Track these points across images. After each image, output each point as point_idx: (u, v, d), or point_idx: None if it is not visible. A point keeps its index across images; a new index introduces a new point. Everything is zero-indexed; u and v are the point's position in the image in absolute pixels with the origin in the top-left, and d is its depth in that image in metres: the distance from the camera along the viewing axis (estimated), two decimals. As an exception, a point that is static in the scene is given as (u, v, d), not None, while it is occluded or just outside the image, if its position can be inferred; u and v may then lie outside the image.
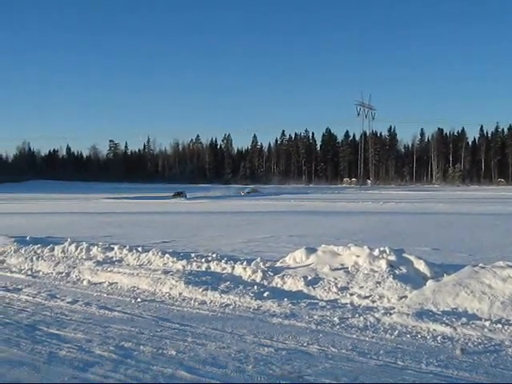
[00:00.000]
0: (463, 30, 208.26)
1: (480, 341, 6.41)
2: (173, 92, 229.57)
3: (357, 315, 7.47)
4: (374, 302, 8.16)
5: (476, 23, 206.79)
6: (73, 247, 12.69)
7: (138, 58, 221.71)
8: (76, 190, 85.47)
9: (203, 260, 10.92)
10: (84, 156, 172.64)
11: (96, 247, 12.53)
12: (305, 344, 6.32)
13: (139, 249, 12.01)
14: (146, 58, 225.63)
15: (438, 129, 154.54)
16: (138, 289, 9.43)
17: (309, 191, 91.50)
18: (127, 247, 12.16)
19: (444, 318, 7.13)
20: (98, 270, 10.71)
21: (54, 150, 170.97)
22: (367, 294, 8.41)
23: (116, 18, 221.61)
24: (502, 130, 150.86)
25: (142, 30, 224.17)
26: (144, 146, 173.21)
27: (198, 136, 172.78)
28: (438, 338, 6.51)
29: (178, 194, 66.09)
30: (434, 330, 6.81)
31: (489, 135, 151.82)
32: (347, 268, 9.27)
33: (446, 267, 9.44)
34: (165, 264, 10.91)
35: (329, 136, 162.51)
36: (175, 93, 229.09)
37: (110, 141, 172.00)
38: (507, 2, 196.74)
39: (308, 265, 9.79)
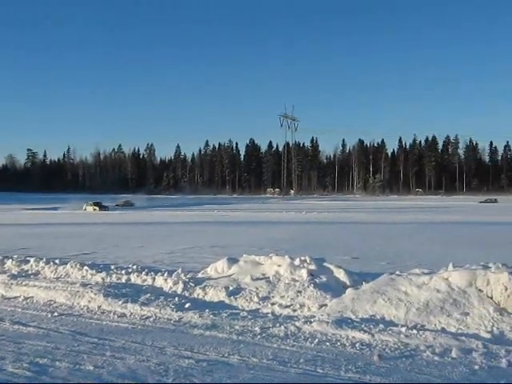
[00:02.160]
0: (384, 40, 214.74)
1: (396, 346, 6.56)
2: (93, 101, 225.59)
3: (278, 324, 7.49)
4: (294, 311, 8.22)
5: (395, 33, 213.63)
6: (-14, 260, 12.17)
7: (51, 67, 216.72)
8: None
9: (123, 272, 10.71)
10: (0, 165, 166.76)
11: (11, 260, 12.08)
12: (226, 355, 6.28)
13: (57, 261, 11.65)
14: (63, 69, 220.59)
15: (359, 140, 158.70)
16: (54, 303, 9.13)
17: (232, 201, 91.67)
18: (44, 260, 11.77)
19: (362, 325, 7.25)
20: (12, 283, 10.31)
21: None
22: (288, 304, 8.46)
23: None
24: (420, 142, 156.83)
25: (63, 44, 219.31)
26: (64, 155, 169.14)
27: (120, 145, 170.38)
28: (357, 345, 6.61)
29: (96, 205, 63.94)
30: (353, 337, 6.91)
31: (407, 147, 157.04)
32: (269, 278, 9.31)
33: (364, 275, 9.64)
34: (83, 276, 10.63)
35: (252, 146, 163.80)
36: (96, 102, 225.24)
37: (28, 150, 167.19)
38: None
39: (230, 275, 9.77)
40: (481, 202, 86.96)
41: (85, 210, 61.99)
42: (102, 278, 10.38)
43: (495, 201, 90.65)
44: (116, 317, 8.18)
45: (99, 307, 8.67)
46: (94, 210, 61.67)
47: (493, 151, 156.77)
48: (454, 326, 7.19)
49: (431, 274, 8.21)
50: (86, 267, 10.99)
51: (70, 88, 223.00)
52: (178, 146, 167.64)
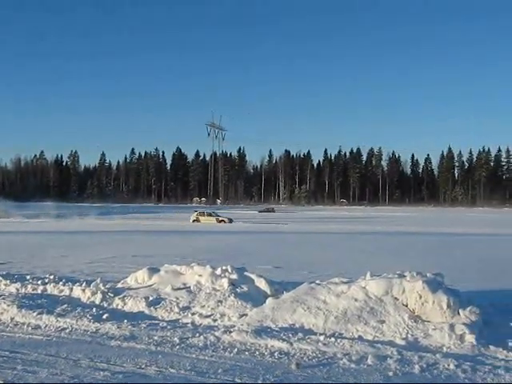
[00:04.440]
0: (308, 48, 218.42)
1: (314, 355, 6.63)
2: (15, 105, 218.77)
3: (197, 334, 7.43)
4: (215, 320, 8.19)
5: (322, 40, 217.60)
6: None
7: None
8: None
9: (39, 282, 10.41)
10: None
11: None
12: (143, 366, 6.17)
13: (-32, 271, 11.18)
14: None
15: (286, 150, 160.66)
16: (-36, 314, 8.73)
17: (158, 210, 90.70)
18: (-46, 270, 11.28)
19: (282, 334, 7.30)
20: None
21: None
22: (209, 313, 8.43)
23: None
24: (345, 153, 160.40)
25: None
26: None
27: (42, 152, 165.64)
28: (276, 354, 6.64)
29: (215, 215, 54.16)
30: (272, 346, 6.95)
31: (332, 158, 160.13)
32: (189, 287, 9.25)
33: (285, 284, 9.72)
34: (-4, 287, 10.24)
35: (179, 155, 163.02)
36: (18, 106, 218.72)
37: None
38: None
39: (150, 285, 9.64)
40: (260, 212, 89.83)
41: (195, 221, 51.41)
42: (17, 289, 10.04)
43: (272, 210, 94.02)
44: (30, 329, 7.91)
45: (12, 319, 8.35)
46: (220, 221, 50.70)
47: (414, 164, 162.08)
48: (370, 333, 7.35)
49: (349, 283, 8.36)
50: (-1, 277, 10.60)
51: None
52: (103, 154, 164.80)
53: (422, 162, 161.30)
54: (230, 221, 50.98)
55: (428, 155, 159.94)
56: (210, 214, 53.44)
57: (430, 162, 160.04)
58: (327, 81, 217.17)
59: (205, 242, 25.52)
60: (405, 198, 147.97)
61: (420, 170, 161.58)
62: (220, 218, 51.79)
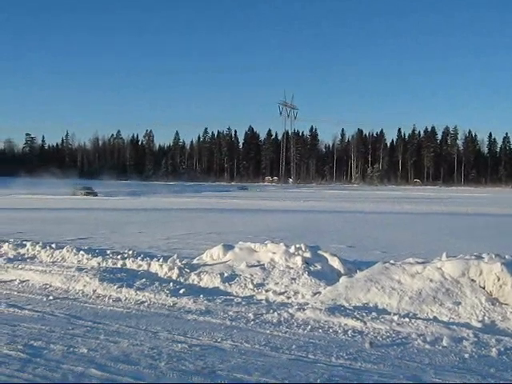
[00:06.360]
0: (382, 28, 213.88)
1: (388, 334, 6.62)
2: (93, 87, 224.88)
3: (271, 311, 7.55)
4: (288, 298, 8.28)
5: (395, 20, 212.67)
6: (-18, 244, 12.22)
7: (53, 52, 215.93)
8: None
9: (119, 257, 10.79)
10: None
11: (7, 244, 12.13)
12: (219, 340, 6.33)
13: (53, 245, 11.70)
14: (64, 53, 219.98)
15: (358, 129, 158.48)
16: (50, 286, 9.19)
17: (230, 189, 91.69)
18: (40, 244, 11.83)
19: (355, 313, 7.31)
20: (8, 267, 10.36)
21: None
22: (282, 290, 8.52)
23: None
24: (419, 132, 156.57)
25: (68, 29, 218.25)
26: (62, 140, 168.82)
27: (118, 131, 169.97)
28: (349, 332, 6.67)
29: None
30: (346, 324, 6.97)
31: (406, 137, 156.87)
32: (263, 265, 9.36)
33: (359, 264, 9.71)
34: (79, 261, 10.70)
35: (251, 134, 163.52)
36: (95, 88, 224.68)
37: (27, 134, 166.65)
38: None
39: (225, 261, 9.82)
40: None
41: None
42: (98, 263, 10.44)
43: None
44: (111, 301, 8.24)
45: (94, 291, 8.73)
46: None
47: (492, 143, 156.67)
48: (445, 315, 7.26)
49: (425, 264, 8.26)
50: (82, 252, 11.06)
51: (70, 73, 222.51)
52: (176, 133, 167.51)
53: (499, 142, 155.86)
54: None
55: (507, 134, 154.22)
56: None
57: (509, 142, 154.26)
58: (400, 60, 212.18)
59: (277, 220, 25.65)
60: (481, 178, 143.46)
61: (498, 150, 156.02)
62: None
